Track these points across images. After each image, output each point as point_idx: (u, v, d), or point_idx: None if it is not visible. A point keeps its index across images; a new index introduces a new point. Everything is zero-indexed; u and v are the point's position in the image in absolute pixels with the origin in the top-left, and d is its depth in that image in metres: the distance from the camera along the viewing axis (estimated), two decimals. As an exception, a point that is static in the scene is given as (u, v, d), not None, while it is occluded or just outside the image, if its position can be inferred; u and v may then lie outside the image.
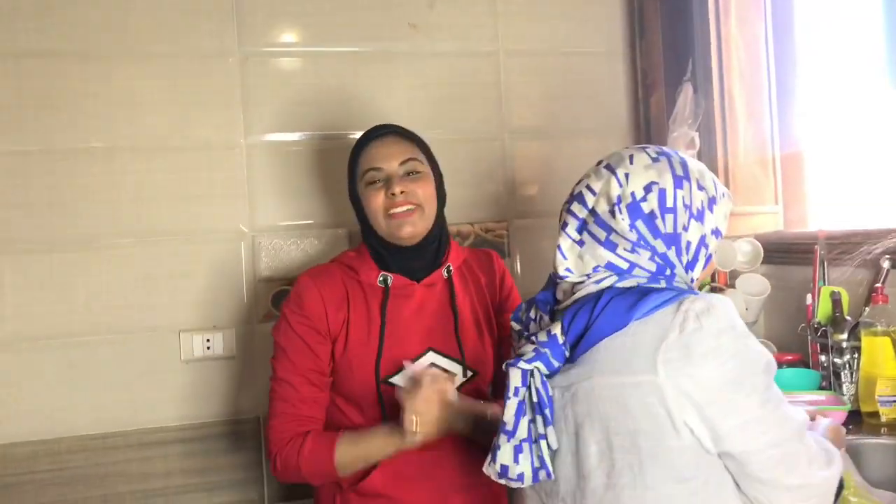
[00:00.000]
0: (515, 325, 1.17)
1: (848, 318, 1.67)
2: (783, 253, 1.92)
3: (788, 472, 0.97)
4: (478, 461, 1.32)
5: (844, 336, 1.66)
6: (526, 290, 2.09)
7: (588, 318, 0.99)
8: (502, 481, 1.07)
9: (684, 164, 1.06)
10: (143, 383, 1.83)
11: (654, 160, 1.05)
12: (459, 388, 1.37)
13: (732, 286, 1.93)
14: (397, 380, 1.36)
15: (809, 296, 1.74)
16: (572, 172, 2.07)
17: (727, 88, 1.93)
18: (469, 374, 1.43)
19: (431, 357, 1.40)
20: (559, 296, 1.09)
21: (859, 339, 1.61)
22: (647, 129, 2.08)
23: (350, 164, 1.47)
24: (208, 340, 1.83)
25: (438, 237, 1.46)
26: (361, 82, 1.98)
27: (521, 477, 1.05)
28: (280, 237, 1.92)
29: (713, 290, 1.92)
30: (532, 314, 1.13)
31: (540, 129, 2.11)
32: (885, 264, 1.59)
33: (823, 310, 1.71)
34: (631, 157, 1.07)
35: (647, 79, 2.09)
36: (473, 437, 1.35)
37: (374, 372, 1.37)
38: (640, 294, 0.98)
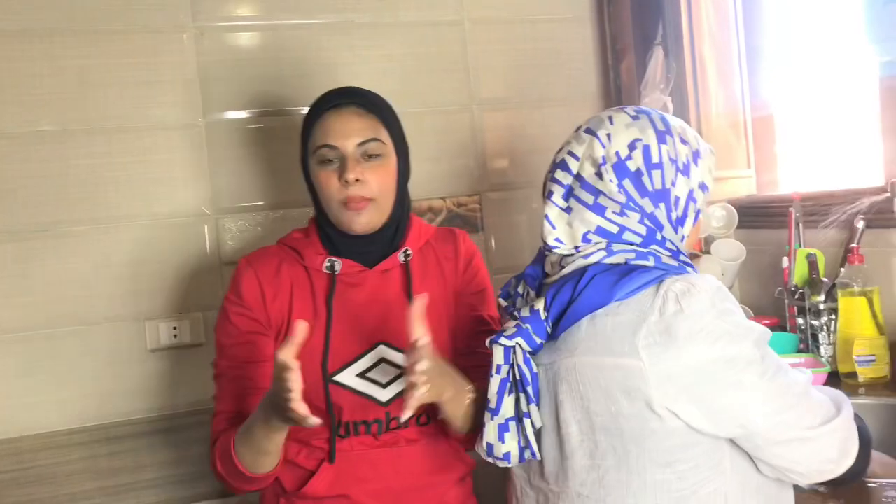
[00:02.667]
0: (503, 302, 1.13)
1: (824, 279, 1.67)
2: (757, 217, 1.92)
3: (801, 430, 0.94)
4: (435, 459, 1.29)
5: (821, 298, 1.66)
6: (502, 264, 2.08)
7: (571, 294, 0.97)
8: (490, 460, 1.05)
9: (664, 120, 1.05)
10: (109, 375, 1.76)
11: (634, 118, 1.04)
12: None
13: (707, 252, 1.91)
14: (344, 378, 1.24)
15: (785, 259, 1.74)
16: (544, 142, 2.07)
17: (698, 51, 1.91)
18: None
19: (381, 352, 1.25)
20: (548, 269, 1.06)
21: (836, 301, 1.61)
22: (619, 95, 2.05)
23: (303, 134, 1.30)
24: (175, 328, 1.76)
25: (397, 220, 1.31)
26: (324, 55, 1.91)
27: (507, 456, 1.03)
28: (245, 218, 1.86)
29: (690, 256, 1.91)
30: (520, 289, 1.10)
31: (509, 99, 2.07)
32: (860, 224, 1.59)
33: (800, 272, 1.71)
34: (610, 117, 1.04)
35: (617, 44, 2.05)
36: (457, 409, 1.17)
37: (321, 369, 1.23)
38: (623, 272, 0.95)
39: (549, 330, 1.00)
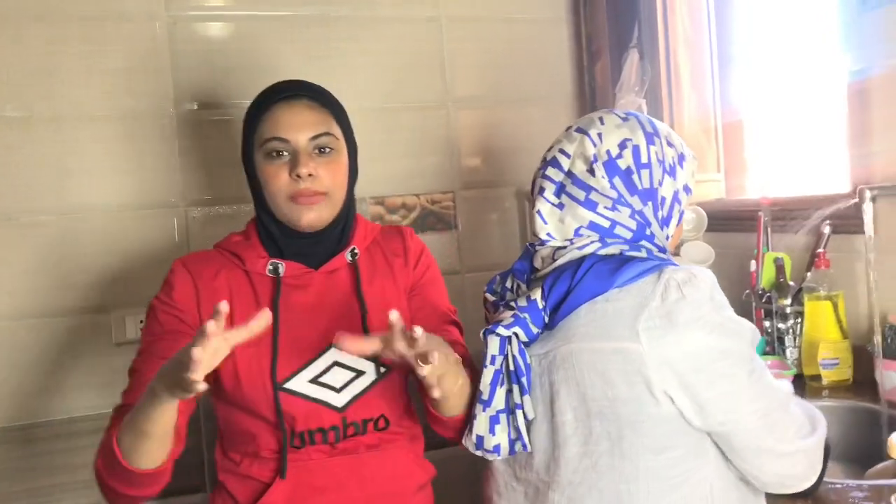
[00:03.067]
0: (490, 297, 1.13)
1: (791, 283, 1.70)
2: (726, 220, 1.94)
3: (776, 441, 0.97)
4: (396, 466, 1.24)
5: (788, 301, 1.69)
6: (474, 262, 2.08)
7: (569, 284, 0.98)
8: (479, 453, 1.05)
9: (652, 123, 1.08)
10: (71, 369, 1.72)
11: (624, 119, 1.07)
12: (370, 388, 1.19)
13: (677, 254, 1.93)
14: (296, 385, 1.16)
15: (753, 262, 1.76)
16: (518, 141, 2.09)
17: (672, 55, 1.93)
18: (382, 370, 1.21)
19: (333, 355, 1.18)
20: (537, 264, 1.07)
21: (802, 304, 1.64)
22: (593, 96, 2.06)
23: (247, 125, 1.22)
24: (141, 321, 1.71)
25: (344, 219, 1.25)
26: (299, 48, 1.89)
27: (497, 449, 1.03)
28: (215, 210, 1.83)
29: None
30: (508, 284, 1.11)
31: (484, 98, 2.07)
32: (826, 230, 1.62)
33: (767, 276, 1.74)
34: (601, 118, 1.07)
35: (592, 45, 2.06)
36: (453, 382, 1.09)
37: (270, 377, 1.16)
38: (621, 261, 0.97)
39: (546, 319, 1.01)
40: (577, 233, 1.03)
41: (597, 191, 1.02)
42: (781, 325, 1.69)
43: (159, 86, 1.78)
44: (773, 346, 1.71)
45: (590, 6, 2.07)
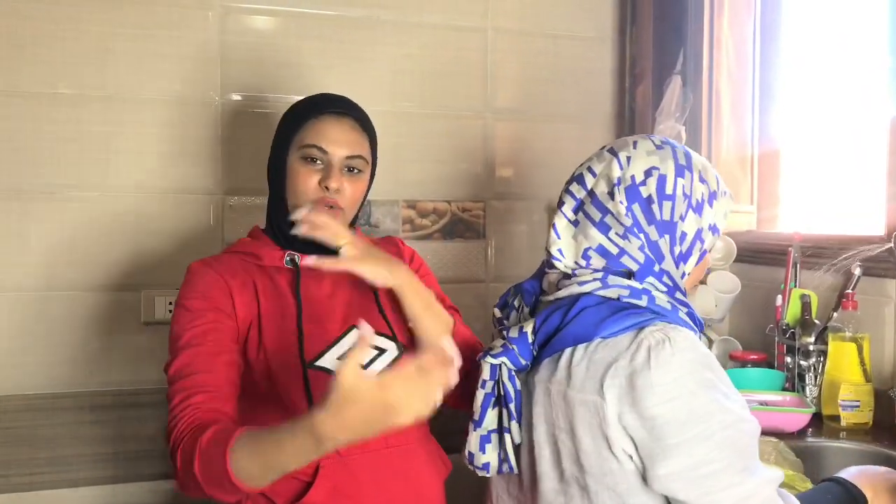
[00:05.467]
0: (498, 312, 1.14)
1: (816, 321, 1.69)
2: (755, 252, 1.94)
3: None
4: (432, 461, 1.28)
5: (812, 339, 1.68)
6: (500, 273, 2.10)
7: (559, 323, 0.97)
8: (471, 468, 1.07)
9: (688, 155, 1.05)
10: (99, 344, 1.76)
11: (659, 147, 1.04)
12: (393, 364, 1.18)
13: (704, 282, 1.93)
14: (326, 362, 1.20)
15: (779, 297, 1.76)
16: (552, 157, 2.10)
17: (715, 85, 1.93)
18: (401, 348, 1.28)
19: (357, 335, 1.18)
20: (545, 286, 1.08)
21: (826, 343, 1.63)
22: (632, 118, 2.07)
23: (288, 125, 1.29)
24: (170, 303, 1.75)
25: (350, 228, 1.32)
26: (345, 48, 1.92)
27: (486, 466, 1.06)
28: (251, 201, 1.86)
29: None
30: (515, 303, 1.12)
31: (523, 111, 2.08)
32: (857, 271, 1.61)
33: (793, 312, 1.73)
34: (635, 142, 1.05)
35: (636, 68, 2.07)
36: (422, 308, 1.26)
37: (299, 356, 1.20)
38: (613, 310, 0.95)
39: (534, 352, 1.01)
40: (585, 253, 1.02)
41: (612, 215, 1.00)
42: (803, 363, 1.68)
43: (207, 74, 1.82)
44: (792, 382, 1.70)
45: (636, 29, 2.08)
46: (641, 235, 0.99)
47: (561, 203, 1.07)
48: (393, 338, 1.28)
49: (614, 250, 1.00)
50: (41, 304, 1.72)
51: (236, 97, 1.85)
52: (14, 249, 1.71)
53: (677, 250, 1.01)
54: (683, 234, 1.01)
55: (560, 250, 1.04)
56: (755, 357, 1.81)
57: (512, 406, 1.01)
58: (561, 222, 1.05)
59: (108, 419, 1.75)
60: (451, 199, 2.02)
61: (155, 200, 1.79)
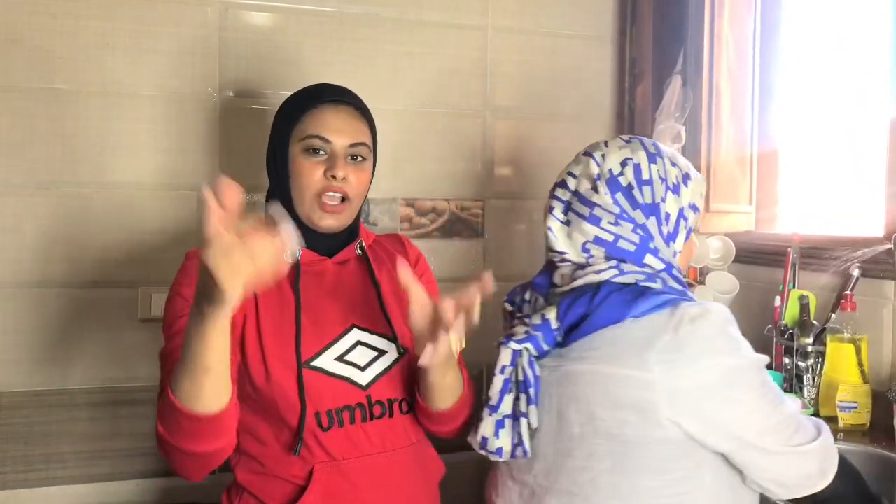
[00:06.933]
0: (508, 307, 1.20)
1: (815, 322, 1.69)
2: (754, 253, 1.94)
3: (792, 447, 1.03)
4: (426, 463, 1.28)
5: (810, 340, 1.68)
6: (498, 272, 2.05)
7: (586, 309, 1.04)
8: (482, 452, 1.11)
9: (655, 145, 1.15)
10: (95, 340, 1.75)
11: (627, 142, 1.15)
12: (392, 367, 1.23)
13: (702, 283, 1.93)
14: (323, 363, 1.18)
15: (778, 297, 1.76)
16: (551, 156, 2.09)
17: (716, 85, 1.92)
18: (401, 350, 1.25)
19: (356, 335, 1.23)
20: (556, 280, 1.12)
21: (824, 344, 1.63)
22: (631, 118, 2.06)
23: (286, 118, 1.26)
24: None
25: (354, 223, 1.32)
26: (344, 45, 1.91)
27: (499, 451, 1.10)
28: (249, 199, 1.84)
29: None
30: (527, 296, 1.17)
31: (522, 110, 2.08)
32: (855, 272, 1.61)
33: (791, 313, 1.73)
34: (606, 142, 1.16)
35: (635, 68, 2.07)
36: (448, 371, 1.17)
37: (295, 355, 1.17)
38: (637, 292, 1.03)
39: (558, 339, 1.07)
40: (584, 247, 1.10)
41: (600, 206, 1.09)
42: (801, 363, 1.68)
43: (206, 70, 1.81)
44: (790, 383, 1.70)
45: (637, 28, 2.07)
46: (630, 220, 1.09)
47: (550, 208, 1.16)
48: (394, 339, 1.25)
49: (609, 238, 1.08)
50: (37, 300, 1.71)
51: (234, 93, 1.84)
52: (9, 245, 1.70)
53: (665, 230, 1.10)
54: (667, 215, 1.10)
55: (562, 250, 1.13)
56: (753, 358, 1.80)
57: (531, 391, 1.07)
58: (555, 224, 1.15)
59: (103, 416, 1.75)
60: (449, 197, 2.02)
61: (152, 196, 1.78)
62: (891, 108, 1.60)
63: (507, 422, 1.09)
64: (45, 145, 1.71)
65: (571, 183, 1.14)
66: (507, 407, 1.09)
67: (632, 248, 1.07)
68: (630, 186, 1.09)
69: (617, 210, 1.08)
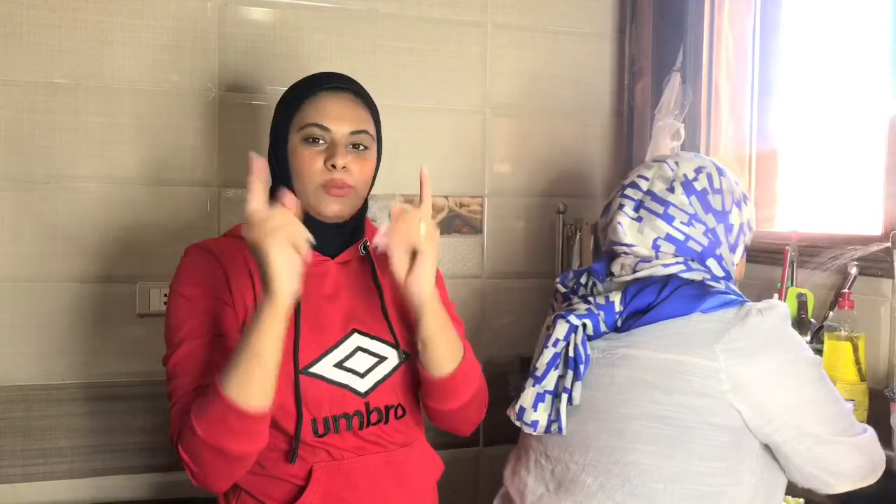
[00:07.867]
0: (561, 288, 1.23)
1: (812, 320, 1.69)
2: (751, 251, 1.92)
3: (850, 437, 1.09)
4: (424, 461, 1.26)
5: (808, 338, 1.67)
6: (498, 268, 2.09)
7: (654, 298, 1.09)
8: (518, 423, 1.15)
9: (718, 165, 1.21)
10: (94, 335, 1.75)
11: (696, 155, 1.22)
12: (392, 373, 1.20)
13: (700, 280, 1.93)
14: (322, 369, 1.15)
15: (776, 295, 1.76)
16: (551, 153, 2.09)
17: (715, 82, 1.92)
18: (403, 356, 1.22)
19: (356, 341, 1.19)
20: (615, 269, 1.17)
21: (821, 342, 1.63)
22: (630, 115, 2.06)
23: (285, 108, 1.22)
24: (165, 295, 1.75)
25: (360, 217, 1.27)
26: (344, 41, 1.91)
27: (534, 424, 1.13)
28: (246, 192, 1.85)
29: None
30: (583, 280, 1.21)
31: (522, 107, 2.08)
32: (853, 270, 1.61)
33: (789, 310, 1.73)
34: (675, 154, 1.25)
35: (635, 65, 2.07)
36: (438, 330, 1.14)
37: (293, 361, 1.13)
38: (704, 289, 1.09)
39: (619, 322, 1.11)
40: (654, 243, 1.14)
41: (675, 206, 1.14)
42: (799, 362, 1.68)
43: (205, 65, 1.81)
44: (788, 381, 1.70)
45: (636, 26, 2.07)
46: (702, 223, 1.14)
47: (620, 206, 1.19)
48: (395, 345, 1.22)
49: (681, 237, 1.13)
50: (36, 295, 1.71)
51: (233, 89, 1.84)
52: (8, 239, 1.70)
53: (730, 239, 1.16)
54: (731, 226, 1.16)
55: (630, 244, 1.17)
56: (751, 355, 1.80)
57: (581, 367, 1.10)
58: (625, 220, 1.17)
59: (102, 411, 1.75)
60: (448, 194, 2.02)
61: (151, 192, 1.78)
62: (890, 107, 1.60)
63: (548, 397, 1.12)
64: (44, 140, 1.71)
65: (643, 184, 1.18)
66: (550, 382, 1.12)
67: (699, 248, 1.13)
68: (705, 191, 1.15)
69: (692, 211, 1.14)
